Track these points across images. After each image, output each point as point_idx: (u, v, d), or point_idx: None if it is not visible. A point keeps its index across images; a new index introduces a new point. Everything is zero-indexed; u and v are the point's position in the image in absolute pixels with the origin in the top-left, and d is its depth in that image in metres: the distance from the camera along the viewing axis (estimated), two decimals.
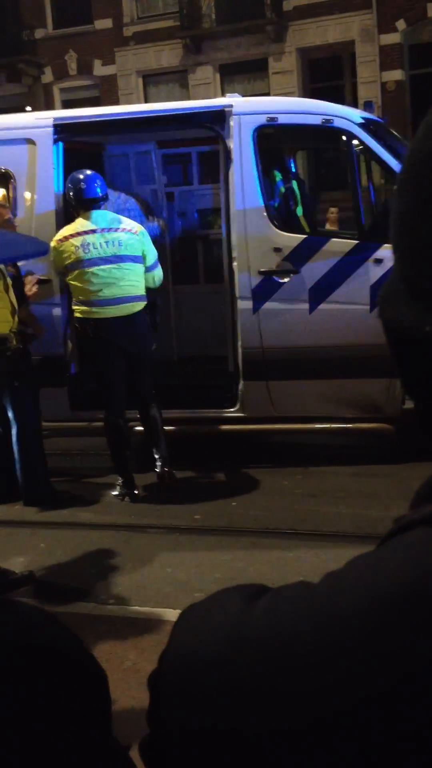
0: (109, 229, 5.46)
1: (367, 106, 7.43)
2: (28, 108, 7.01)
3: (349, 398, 5.91)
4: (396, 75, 19.59)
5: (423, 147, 0.54)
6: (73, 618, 3.95)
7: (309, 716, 0.50)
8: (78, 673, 0.68)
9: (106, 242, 5.42)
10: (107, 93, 21.66)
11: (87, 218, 5.49)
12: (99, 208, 5.54)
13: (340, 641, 0.50)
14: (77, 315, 5.60)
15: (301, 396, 5.98)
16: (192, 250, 7.92)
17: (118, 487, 5.66)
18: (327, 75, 20.56)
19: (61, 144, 6.24)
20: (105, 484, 5.98)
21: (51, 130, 6.20)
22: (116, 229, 5.49)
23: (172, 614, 3.94)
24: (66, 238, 5.46)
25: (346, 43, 19.92)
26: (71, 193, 5.56)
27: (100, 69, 22.38)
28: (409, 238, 0.55)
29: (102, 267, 5.41)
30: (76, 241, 5.41)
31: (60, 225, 6.08)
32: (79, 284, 5.47)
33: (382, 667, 0.49)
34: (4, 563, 4.40)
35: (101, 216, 5.51)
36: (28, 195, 6.19)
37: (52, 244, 5.43)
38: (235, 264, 6.00)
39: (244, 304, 5.96)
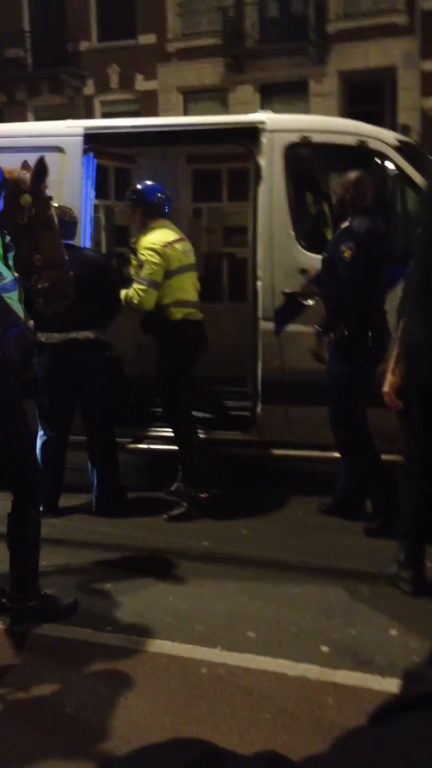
0: (185, 240, 5.70)
1: (404, 130, 7.27)
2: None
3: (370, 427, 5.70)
4: None
5: None
6: (68, 644, 3.79)
7: None
8: None
9: (189, 251, 5.68)
10: (147, 108, 21.70)
11: (170, 228, 5.63)
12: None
13: None
14: (177, 317, 5.53)
15: (320, 423, 5.79)
16: (217, 269, 7.77)
17: (180, 492, 5.63)
18: (367, 99, 20.44)
19: (91, 154, 6.14)
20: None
21: (81, 139, 6.10)
22: (186, 240, 5.72)
23: (170, 647, 3.76)
24: (171, 244, 5.52)
25: (388, 69, 19.81)
26: (153, 201, 5.59)
27: (141, 84, 22.47)
28: None
29: (193, 273, 5.66)
30: (180, 247, 5.56)
31: (88, 234, 5.97)
32: (182, 286, 5.55)
33: None
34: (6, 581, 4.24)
35: (175, 227, 5.69)
36: (56, 204, 6.08)
37: (158, 248, 5.45)
38: (259, 284, 5.84)
39: (267, 325, 5.79)
